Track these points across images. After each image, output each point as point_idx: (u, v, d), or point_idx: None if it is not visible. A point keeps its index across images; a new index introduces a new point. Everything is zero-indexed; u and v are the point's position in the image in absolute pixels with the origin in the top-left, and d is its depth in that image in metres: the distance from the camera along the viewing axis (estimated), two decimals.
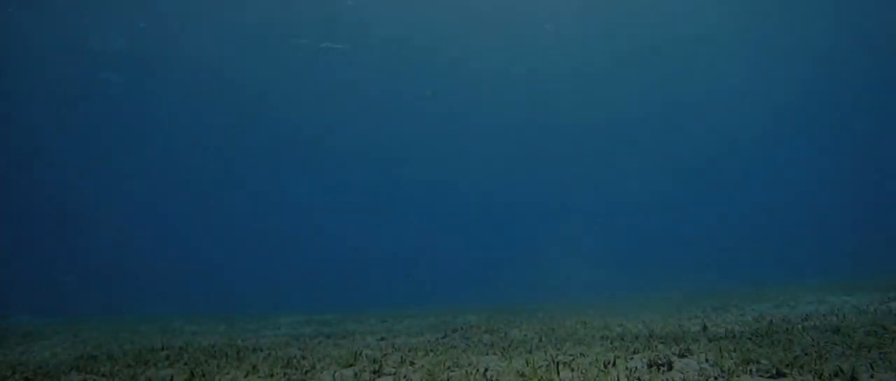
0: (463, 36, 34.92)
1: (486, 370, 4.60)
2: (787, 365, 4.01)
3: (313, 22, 32.96)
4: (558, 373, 4.32)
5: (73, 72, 33.05)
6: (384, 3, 31.89)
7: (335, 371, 4.87)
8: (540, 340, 6.96)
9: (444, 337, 8.13)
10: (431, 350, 6.08)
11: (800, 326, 6.68)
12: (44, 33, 29.63)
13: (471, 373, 4.47)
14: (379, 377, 4.65)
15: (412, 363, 5.17)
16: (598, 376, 4.14)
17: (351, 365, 5.18)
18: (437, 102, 41.74)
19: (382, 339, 8.27)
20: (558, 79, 39.33)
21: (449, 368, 4.79)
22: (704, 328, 7.40)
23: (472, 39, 35.12)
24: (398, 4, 32.26)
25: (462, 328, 9.37)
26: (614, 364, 4.55)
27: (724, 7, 31.21)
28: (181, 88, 36.27)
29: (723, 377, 3.93)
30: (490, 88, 40.12)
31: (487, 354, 5.65)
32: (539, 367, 4.55)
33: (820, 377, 3.72)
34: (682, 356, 4.82)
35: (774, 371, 3.94)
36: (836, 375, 3.74)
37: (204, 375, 4.87)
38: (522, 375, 4.34)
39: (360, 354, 5.91)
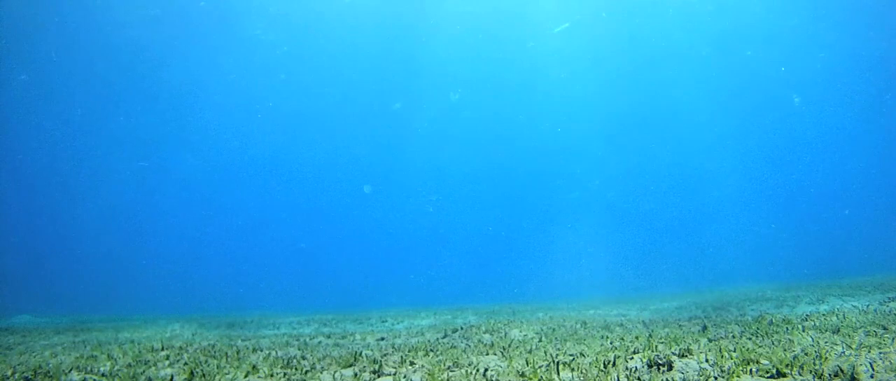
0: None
1: (486, 370, 4.59)
2: (787, 365, 4.00)
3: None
4: (558, 373, 4.32)
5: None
6: None
7: (335, 371, 4.87)
8: (540, 340, 6.95)
9: (444, 337, 8.13)
10: (431, 350, 6.08)
11: (800, 326, 6.68)
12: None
13: (471, 373, 4.47)
14: (379, 377, 4.64)
15: (412, 363, 5.16)
16: (598, 376, 4.14)
17: (351, 365, 5.17)
18: (453, 104, 41.56)
19: (382, 339, 8.26)
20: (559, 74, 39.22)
21: (449, 368, 4.79)
22: (704, 328, 7.39)
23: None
24: None
25: (462, 328, 9.37)
26: (614, 364, 4.54)
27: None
28: (181, 85, 36.27)
29: (723, 377, 3.93)
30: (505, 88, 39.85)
31: (487, 354, 5.65)
32: (539, 367, 4.55)
33: (820, 377, 3.72)
34: (682, 356, 4.81)
35: (774, 371, 3.94)
36: (836, 375, 3.74)
37: (204, 375, 4.86)
38: (522, 375, 4.34)
39: (360, 354, 5.90)
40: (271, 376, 4.81)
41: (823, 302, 10.61)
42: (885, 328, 5.78)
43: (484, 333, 8.48)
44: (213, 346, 7.45)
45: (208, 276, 53.53)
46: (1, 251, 48.63)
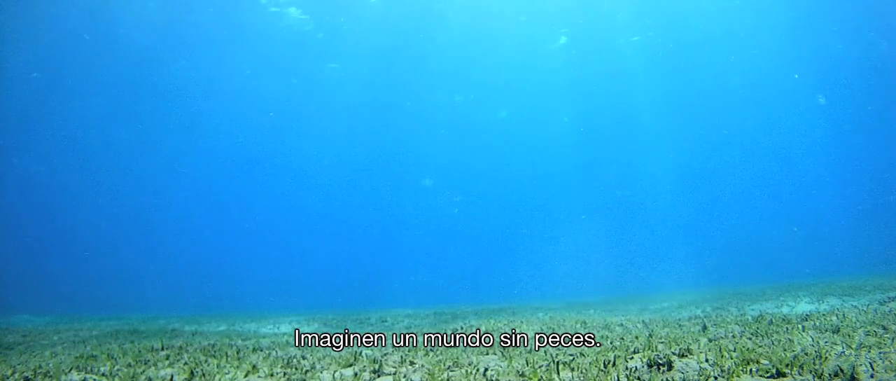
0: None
1: (486, 370, 4.59)
2: (787, 365, 4.00)
3: None
4: (558, 373, 4.32)
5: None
6: None
7: (335, 371, 4.87)
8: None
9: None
10: (431, 350, 6.08)
11: (800, 326, 6.68)
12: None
13: (471, 373, 4.47)
14: (379, 376, 4.64)
15: (412, 363, 5.16)
16: (598, 376, 4.14)
17: (351, 365, 5.17)
18: (446, 107, 41.52)
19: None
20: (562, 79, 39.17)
21: (449, 368, 4.79)
22: (704, 327, 7.39)
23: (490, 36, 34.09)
24: None
25: (462, 328, 9.37)
26: (614, 364, 4.54)
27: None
28: (182, 88, 36.22)
29: (723, 377, 3.92)
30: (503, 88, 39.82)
31: (487, 354, 5.65)
32: (539, 367, 4.55)
33: (820, 377, 3.72)
34: (682, 356, 4.81)
35: (774, 371, 3.93)
36: (836, 375, 3.74)
37: (204, 375, 4.86)
38: (522, 375, 4.34)
39: (360, 354, 5.90)
40: (271, 376, 4.81)
41: (823, 302, 10.61)
42: (885, 328, 5.78)
43: (484, 333, 8.47)
44: (213, 346, 7.44)
45: (209, 276, 53.57)
46: (1, 251, 48.64)
